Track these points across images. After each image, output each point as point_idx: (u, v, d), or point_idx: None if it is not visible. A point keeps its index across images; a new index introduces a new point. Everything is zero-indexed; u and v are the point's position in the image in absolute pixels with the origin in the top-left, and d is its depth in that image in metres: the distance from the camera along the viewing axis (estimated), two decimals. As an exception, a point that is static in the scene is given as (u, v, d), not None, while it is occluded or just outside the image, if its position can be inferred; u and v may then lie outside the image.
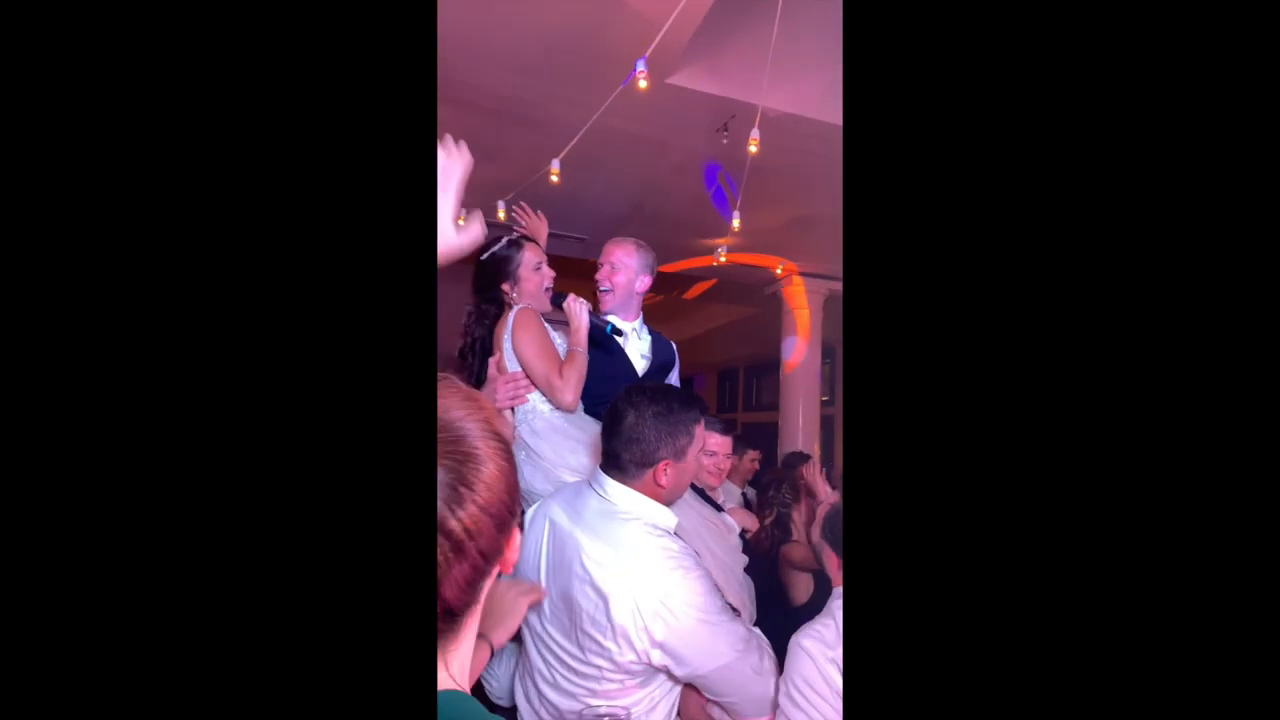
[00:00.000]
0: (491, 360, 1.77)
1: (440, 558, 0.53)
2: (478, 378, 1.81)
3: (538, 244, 1.92)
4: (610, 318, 1.93)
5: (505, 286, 1.81)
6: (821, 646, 1.10)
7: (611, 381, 1.79)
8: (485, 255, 1.84)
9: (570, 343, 1.74)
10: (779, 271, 5.35)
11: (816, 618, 1.16)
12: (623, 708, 0.95)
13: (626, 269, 1.92)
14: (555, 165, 2.75)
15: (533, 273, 1.83)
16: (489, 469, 0.56)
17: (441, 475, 0.53)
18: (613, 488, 1.29)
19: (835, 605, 1.16)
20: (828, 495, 1.20)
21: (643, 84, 2.21)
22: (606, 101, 2.52)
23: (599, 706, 0.88)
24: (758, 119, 2.42)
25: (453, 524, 0.53)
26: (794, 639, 1.14)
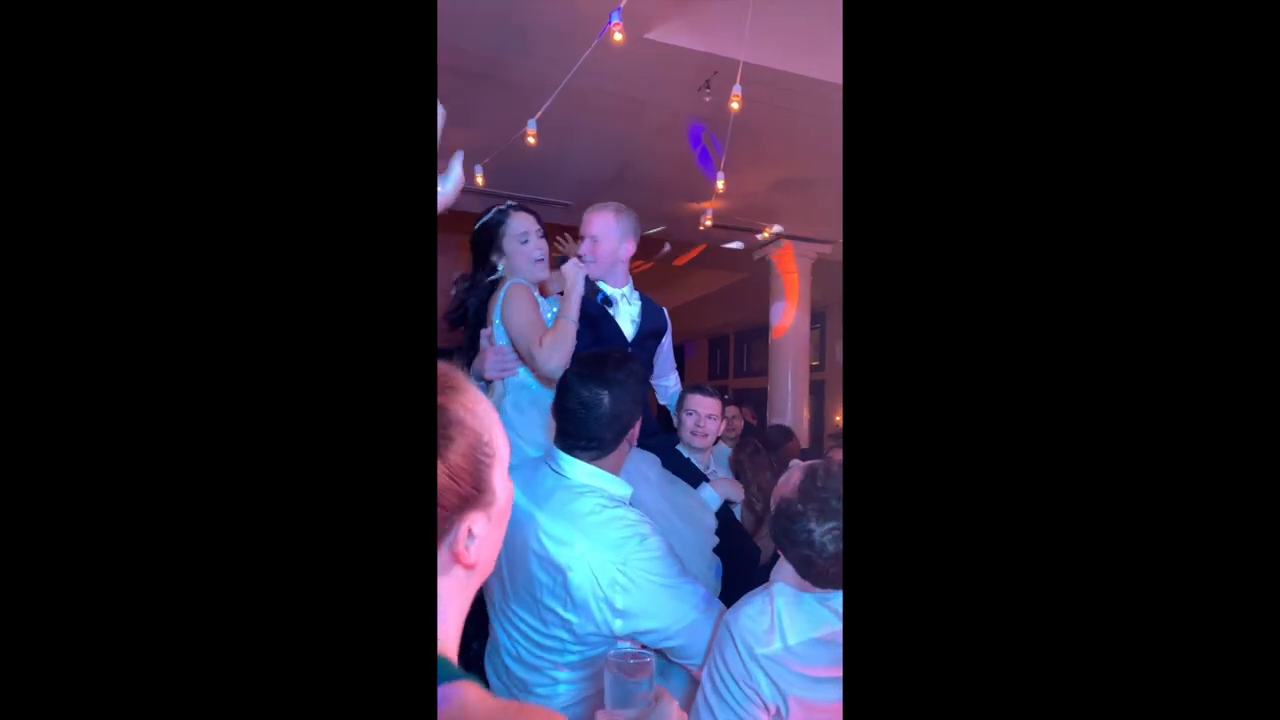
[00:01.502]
0: (483, 332, 1.77)
1: None
2: (468, 353, 1.81)
3: (531, 214, 1.87)
4: (599, 284, 1.91)
5: (494, 258, 1.80)
6: (751, 641, 1.02)
7: (602, 348, 1.77)
8: (477, 225, 1.83)
9: (560, 309, 1.70)
10: (766, 235, 5.27)
11: (754, 598, 1.08)
12: (647, 652, 0.94)
13: (608, 238, 1.88)
14: (532, 126, 2.65)
15: (519, 245, 1.80)
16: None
17: None
18: (569, 464, 1.29)
19: (775, 590, 1.07)
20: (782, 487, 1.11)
21: (618, 37, 2.11)
22: (582, 57, 2.41)
23: (625, 648, 0.87)
24: (739, 74, 2.33)
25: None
26: (727, 617, 1.07)
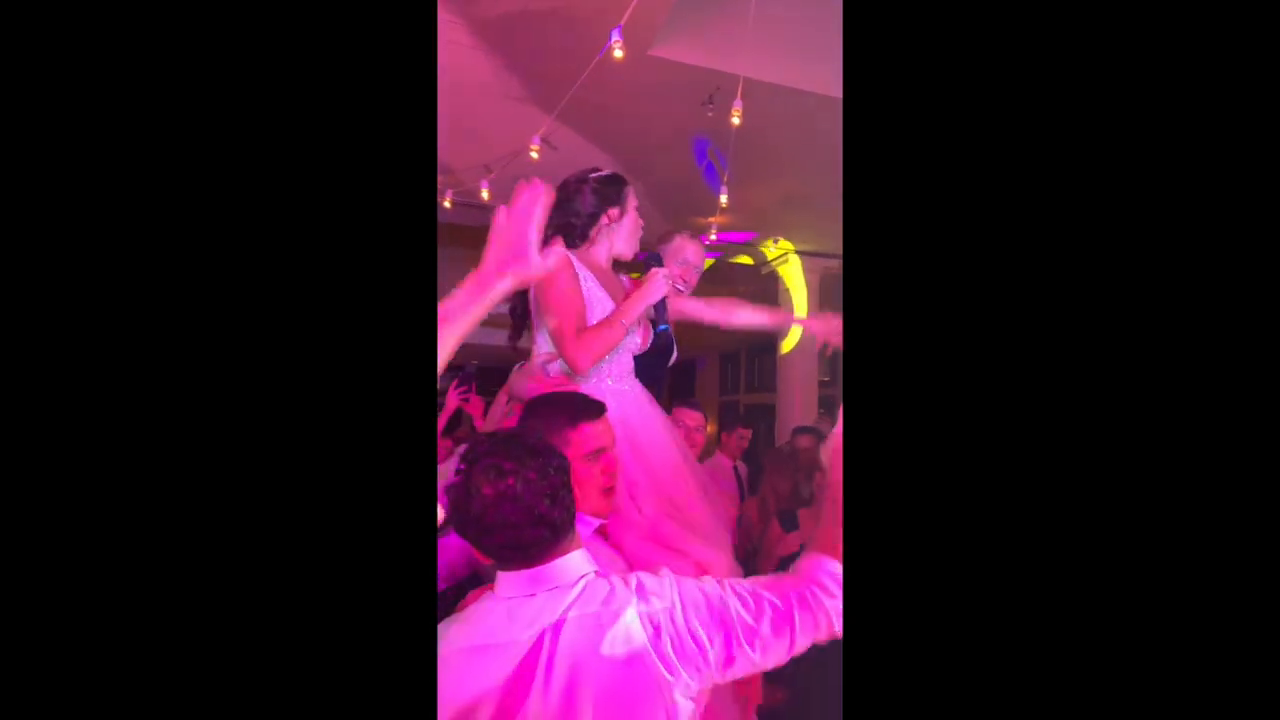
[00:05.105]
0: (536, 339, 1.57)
1: None
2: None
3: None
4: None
5: (614, 211, 1.60)
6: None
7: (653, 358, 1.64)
8: (590, 174, 1.60)
9: (620, 308, 1.49)
10: (774, 250, 5.28)
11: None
12: None
13: (698, 271, 1.83)
14: (535, 142, 2.69)
15: (634, 210, 1.64)
16: None
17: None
18: None
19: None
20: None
21: (618, 54, 2.14)
22: (584, 74, 2.44)
23: None
24: (740, 90, 2.35)
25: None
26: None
